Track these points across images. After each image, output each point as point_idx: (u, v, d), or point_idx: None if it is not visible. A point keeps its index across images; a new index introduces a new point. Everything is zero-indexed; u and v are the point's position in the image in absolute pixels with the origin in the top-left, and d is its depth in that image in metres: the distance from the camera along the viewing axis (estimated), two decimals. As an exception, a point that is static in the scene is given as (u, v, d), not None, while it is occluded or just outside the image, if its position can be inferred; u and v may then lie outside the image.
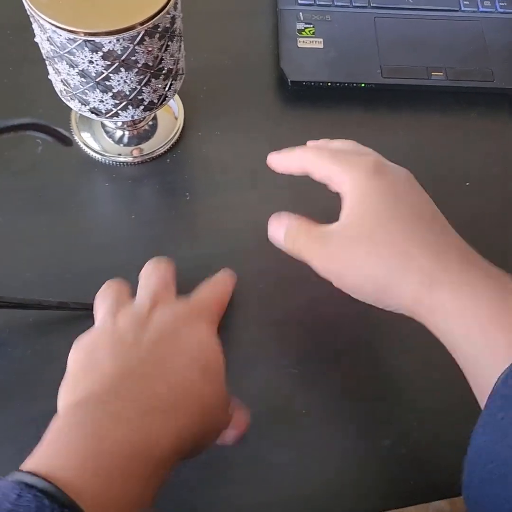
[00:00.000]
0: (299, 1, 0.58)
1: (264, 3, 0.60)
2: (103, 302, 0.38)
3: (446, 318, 0.31)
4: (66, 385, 0.33)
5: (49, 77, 0.42)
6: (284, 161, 0.40)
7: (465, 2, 0.58)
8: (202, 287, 0.39)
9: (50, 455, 0.26)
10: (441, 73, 0.54)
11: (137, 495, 0.27)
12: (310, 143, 0.41)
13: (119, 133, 0.50)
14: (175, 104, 0.53)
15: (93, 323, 0.40)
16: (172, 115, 0.52)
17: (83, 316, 0.42)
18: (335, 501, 0.38)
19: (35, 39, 0.38)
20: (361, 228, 0.33)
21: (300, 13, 0.57)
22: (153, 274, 0.39)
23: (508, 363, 0.27)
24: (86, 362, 0.33)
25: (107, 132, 0.50)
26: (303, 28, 0.57)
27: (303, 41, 0.56)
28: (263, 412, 0.40)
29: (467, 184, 0.51)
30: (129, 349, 0.32)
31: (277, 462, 0.39)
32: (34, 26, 0.37)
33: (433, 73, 0.54)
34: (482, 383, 0.29)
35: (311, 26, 0.57)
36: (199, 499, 0.37)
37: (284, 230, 0.37)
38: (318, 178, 0.38)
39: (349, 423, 0.40)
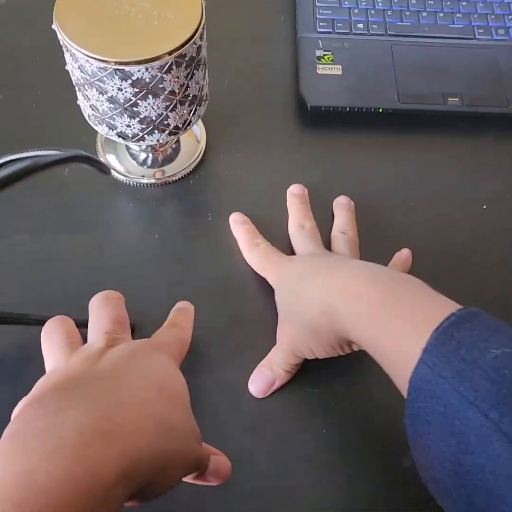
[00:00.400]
0: (318, 29, 0.60)
1: (284, 31, 0.62)
2: (51, 346, 0.34)
3: (352, 332, 0.36)
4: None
5: (78, 102, 0.44)
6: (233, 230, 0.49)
7: (480, 31, 0.60)
8: (159, 331, 0.38)
9: None
10: (457, 99, 0.55)
11: None
12: (292, 188, 0.51)
13: (143, 155, 0.52)
14: (197, 128, 0.54)
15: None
16: (194, 138, 0.54)
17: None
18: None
19: (66, 67, 0.40)
20: (280, 312, 0.43)
21: (319, 41, 0.59)
22: (104, 307, 0.36)
23: (414, 358, 0.30)
24: (27, 401, 0.29)
25: (131, 154, 0.52)
26: (322, 55, 0.58)
27: (322, 68, 0.58)
28: (282, 432, 0.41)
29: (484, 207, 0.51)
30: (76, 377, 0.30)
31: (295, 487, 0.39)
32: (66, 54, 0.39)
33: (449, 99, 0.55)
34: (400, 380, 0.33)
35: (330, 53, 0.59)
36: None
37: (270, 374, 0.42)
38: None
39: (369, 445, 0.41)
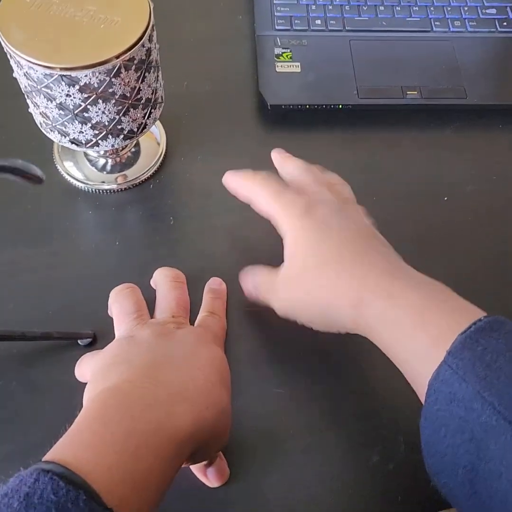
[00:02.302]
0: (276, 27, 0.60)
1: (242, 30, 0.61)
2: (122, 312, 0.39)
3: (380, 331, 0.35)
4: (92, 383, 0.34)
5: (29, 110, 0.43)
6: (235, 184, 0.43)
7: (437, 23, 0.60)
8: (204, 319, 0.42)
9: (73, 443, 0.28)
10: (416, 92, 0.55)
11: (161, 474, 0.28)
12: (274, 153, 0.46)
13: (102, 161, 0.51)
14: (157, 130, 0.53)
15: (77, 352, 0.41)
16: (154, 141, 0.53)
17: (67, 346, 0.42)
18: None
19: (14, 75, 0.39)
20: (297, 266, 0.38)
21: (278, 39, 0.59)
22: (173, 290, 0.42)
23: (437, 361, 0.30)
24: (116, 359, 0.35)
25: (90, 161, 0.51)
26: (280, 53, 0.58)
27: (281, 66, 0.57)
28: (249, 434, 0.40)
29: (445, 199, 0.51)
30: (158, 347, 0.35)
31: (264, 485, 0.39)
32: (11, 62, 0.38)
33: (408, 93, 0.55)
34: (419, 383, 0.32)
35: (289, 50, 0.58)
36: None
37: (251, 285, 0.42)
38: (260, 213, 0.41)
39: (336, 442, 0.41)
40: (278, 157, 0.45)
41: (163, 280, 0.43)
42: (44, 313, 0.44)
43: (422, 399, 0.31)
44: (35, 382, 0.41)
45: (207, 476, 0.38)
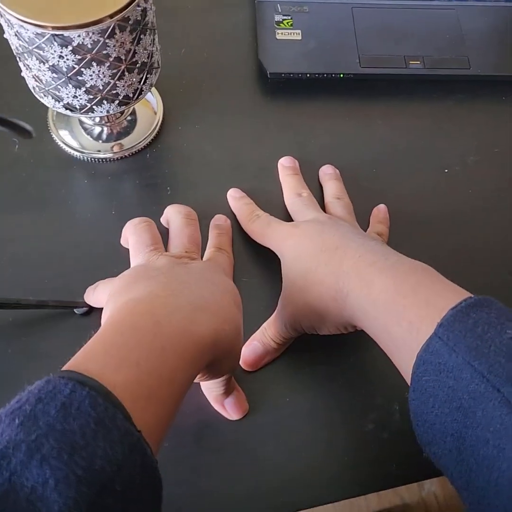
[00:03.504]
0: (277, -7, 0.58)
1: (242, -4, 0.59)
2: (140, 244, 0.40)
3: (361, 320, 0.36)
4: (111, 301, 0.34)
5: (22, 74, 0.41)
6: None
7: (441, -10, 0.59)
8: (213, 255, 0.43)
9: (105, 348, 0.28)
10: (419, 62, 0.54)
11: (184, 375, 0.30)
12: (282, 160, 0.50)
13: (97, 129, 0.50)
14: (153, 99, 0.52)
15: (74, 321, 0.41)
16: (151, 109, 0.52)
17: (63, 315, 0.42)
18: (321, 487, 0.38)
19: (4, 35, 0.38)
20: (286, 284, 0.41)
21: (278, 5, 0.57)
22: (186, 227, 0.43)
23: (413, 346, 0.31)
24: (137, 277, 0.35)
25: (85, 129, 0.50)
26: (281, 20, 0.57)
27: (281, 33, 0.56)
28: (246, 399, 0.40)
29: (446, 171, 0.51)
30: (175, 272, 0.36)
31: (261, 451, 0.39)
32: (2, 21, 0.36)
33: (410, 62, 0.54)
34: (403, 363, 0.33)
35: (289, 17, 0.57)
36: (182, 493, 0.37)
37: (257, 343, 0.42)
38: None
39: (333, 409, 0.41)
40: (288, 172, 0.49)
41: (176, 216, 0.44)
42: (40, 282, 0.44)
43: (408, 380, 0.32)
44: (30, 351, 0.41)
45: (225, 408, 0.39)
